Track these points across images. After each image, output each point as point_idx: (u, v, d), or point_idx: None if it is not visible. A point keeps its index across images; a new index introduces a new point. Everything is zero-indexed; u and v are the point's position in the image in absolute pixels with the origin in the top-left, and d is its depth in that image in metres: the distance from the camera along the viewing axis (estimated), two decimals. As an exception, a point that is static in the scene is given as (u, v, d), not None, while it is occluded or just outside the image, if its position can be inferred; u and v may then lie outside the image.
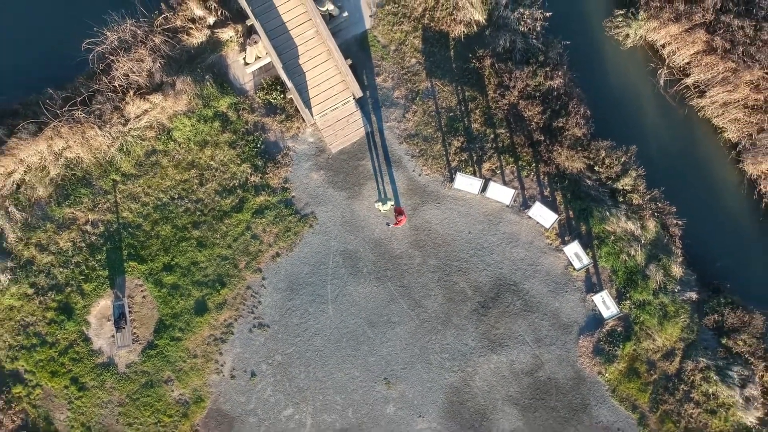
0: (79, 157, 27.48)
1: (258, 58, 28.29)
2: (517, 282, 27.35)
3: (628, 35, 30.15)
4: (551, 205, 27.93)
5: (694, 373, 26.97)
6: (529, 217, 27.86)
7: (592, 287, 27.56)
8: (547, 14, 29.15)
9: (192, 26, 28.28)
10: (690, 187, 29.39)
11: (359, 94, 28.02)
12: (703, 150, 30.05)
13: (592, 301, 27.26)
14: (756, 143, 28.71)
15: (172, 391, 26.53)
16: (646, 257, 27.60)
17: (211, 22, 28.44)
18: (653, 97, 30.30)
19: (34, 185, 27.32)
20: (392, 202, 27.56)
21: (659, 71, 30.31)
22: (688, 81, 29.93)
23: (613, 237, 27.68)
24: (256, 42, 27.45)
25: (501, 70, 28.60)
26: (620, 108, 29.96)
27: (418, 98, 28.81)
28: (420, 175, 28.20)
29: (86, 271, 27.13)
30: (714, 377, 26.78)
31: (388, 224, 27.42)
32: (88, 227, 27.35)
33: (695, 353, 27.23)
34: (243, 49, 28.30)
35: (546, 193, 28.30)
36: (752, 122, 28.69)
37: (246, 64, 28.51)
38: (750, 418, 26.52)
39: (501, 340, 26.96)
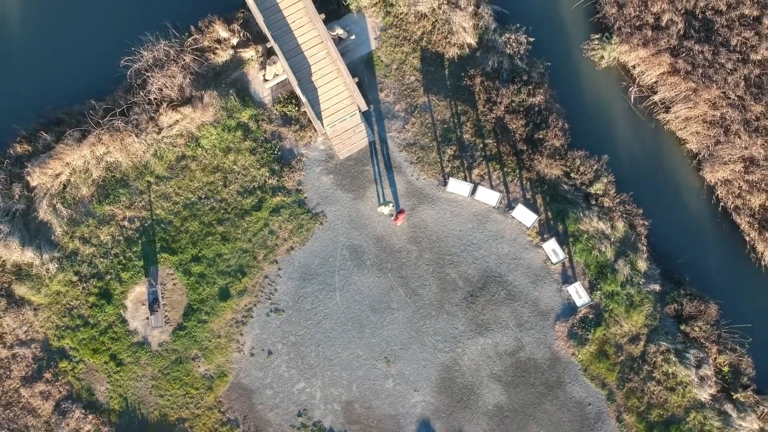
0: (118, 161, 29.18)
1: (276, 75, 30.07)
2: (502, 274, 29.20)
3: (602, 57, 31.43)
4: (532, 207, 29.52)
5: (656, 355, 28.33)
6: (513, 217, 29.45)
7: (567, 279, 29.20)
8: (531, 39, 30.62)
9: (218, 46, 29.94)
10: (656, 192, 30.58)
11: (364, 107, 29.70)
12: (667, 159, 31.19)
13: (567, 291, 28.90)
14: (713, 154, 30.14)
15: (199, 367, 28.34)
16: (615, 253, 29.09)
17: (235, 43, 30.12)
18: (624, 112, 31.49)
19: (78, 185, 29.08)
20: (392, 204, 29.12)
21: (630, 89, 31.57)
22: (656, 98, 31.24)
23: (586, 235, 29.23)
24: (275, 62, 29.38)
25: (489, 87, 30.14)
26: (595, 121, 31.18)
27: (416, 111, 30.55)
28: (417, 179, 30.04)
29: (124, 261, 28.87)
30: (673, 359, 28.15)
31: (391, 215, 29.30)
32: (126, 223, 29.13)
33: (657, 338, 28.60)
34: (263, 67, 30.00)
35: (528, 196, 29.87)
36: (710, 135, 30.18)
37: (265, 80, 30.21)
38: (704, 395, 28.09)
39: (487, 324, 28.81)
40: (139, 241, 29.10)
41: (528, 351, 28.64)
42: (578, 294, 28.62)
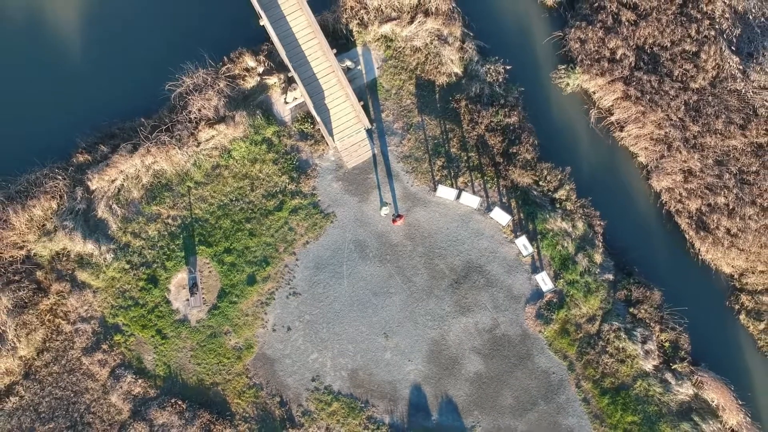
0: (163, 169, 31.63)
1: (295, 98, 32.58)
2: (482, 265, 31.36)
3: (568, 84, 33.81)
4: (507, 209, 31.81)
5: (609, 333, 30.54)
6: (491, 218, 31.65)
7: (536, 269, 31.34)
8: (507, 68, 33.10)
9: (246, 74, 32.42)
10: (611, 197, 32.68)
11: (368, 125, 31.87)
12: (621, 170, 33.32)
13: (535, 279, 31.08)
14: (659, 166, 32.63)
15: (230, 340, 30.44)
16: (575, 248, 31.31)
17: (261, 71, 32.61)
18: (586, 131, 33.62)
19: (130, 189, 31.57)
20: (389, 206, 31.30)
21: (591, 111, 33.76)
22: (612, 119, 33.45)
23: (551, 233, 31.37)
24: (294, 87, 32.25)
25: (472, 109, 32.43)
26: (561, 138, 33.29)
27: (411, 129, 32.78)
28: (412, 186, 32.26)
29: (168, 252, 31.19)
30: (623, 336, 30.37)
31: (389, 215, 31.39)
32: (170, 220, 31.51)
33: (610, 318, 30.81)
34: (284, 91, 32.65)
35: (504, 200, 32.18)
36: (656, 150, 32.61)
37: (286, 102, 32.66)
38: (648, 366, 30.49)
39: (469, 306, 30.93)
40: (181, 236, 31.20)
41: (503, 328, 30.80)
42: (544, 281, 30.89)
